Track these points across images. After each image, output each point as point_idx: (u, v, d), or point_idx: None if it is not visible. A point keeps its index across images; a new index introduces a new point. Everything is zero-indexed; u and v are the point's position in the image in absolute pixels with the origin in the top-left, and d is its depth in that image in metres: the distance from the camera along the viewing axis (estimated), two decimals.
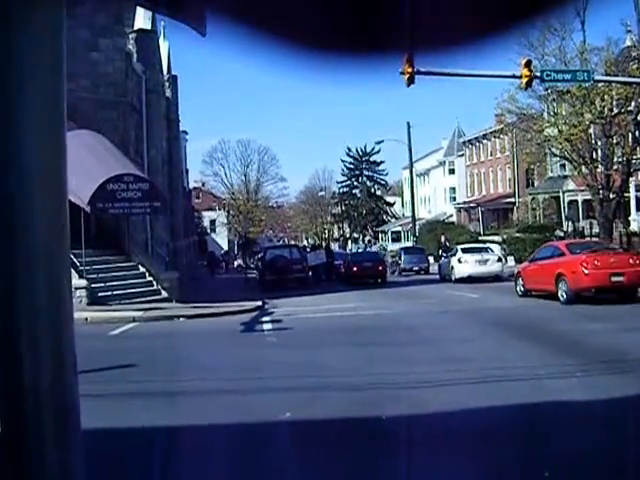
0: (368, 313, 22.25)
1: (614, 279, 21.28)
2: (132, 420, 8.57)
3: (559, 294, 22.25)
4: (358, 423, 8.46)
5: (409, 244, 64.05)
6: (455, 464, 7.05)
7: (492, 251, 38.01)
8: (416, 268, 47.21)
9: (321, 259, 43.02)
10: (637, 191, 44.39)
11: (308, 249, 51.33)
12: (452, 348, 13.98)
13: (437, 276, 39.11)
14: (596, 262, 21.67)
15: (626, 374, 10.28)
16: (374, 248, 70.73)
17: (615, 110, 34.69)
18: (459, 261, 35.67)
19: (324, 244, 76.75)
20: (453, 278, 35.34)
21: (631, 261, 22.22)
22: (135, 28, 33.76)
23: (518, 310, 21.23)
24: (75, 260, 22.93)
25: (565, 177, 51.03)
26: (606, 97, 34.29)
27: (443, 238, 52.17)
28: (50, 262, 1.85)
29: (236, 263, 74.29)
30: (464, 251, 36.76)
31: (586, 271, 21.52)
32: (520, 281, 25.77)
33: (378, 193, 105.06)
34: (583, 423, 8.12)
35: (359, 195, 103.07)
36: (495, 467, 6.98)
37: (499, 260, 36.40)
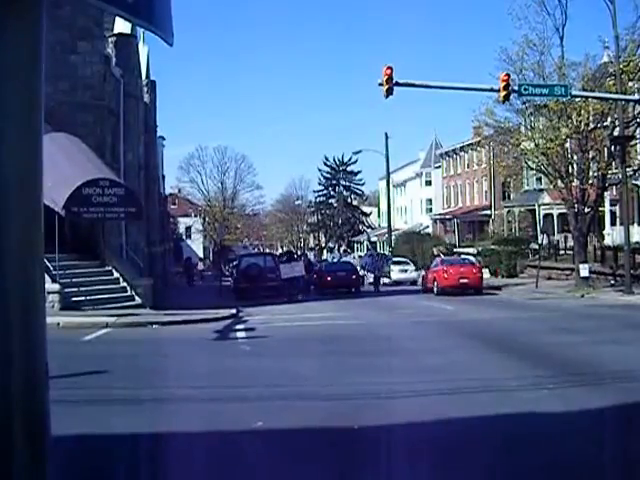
0: (342, 322, 22.26)
1: (461, 281, 34.25)
2: (102, 427, 8.48)
3: (434, 290, 35.12)
4: (330, 433, 8.43)
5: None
6: (427, 475, 7.05)
7: (410, 264, 52.53)
8: None
9: (298, 272, 35.00)
10: (611, 205, 44.84)
11: (284, 257, 48.77)
12: (425, 358, 14.00)
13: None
14: (451, 271, 34.71)
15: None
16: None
17: (591, 125, 34.97)
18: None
19: (304, 254, 75.71)
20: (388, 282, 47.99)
21: (474, 270, 35.65)
22: (115, 32, 33.66)
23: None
24: (48, 264, 22.73)
25: (541, 190, 51.41)
26: (583, 112, 34.57)
27: (436, 251, 55.84)
28: (23, 266, 1.82)
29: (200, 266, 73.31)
30: (393, 263, 49.86)
31: (445, 276, 34.62)
32: (422, 282, 39.96)
33: (355, 203, 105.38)
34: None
35: (335, 205, 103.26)
36: (467, 478, 6.98)
37: (416, 270, 50.24)
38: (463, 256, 45.81)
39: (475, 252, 53.22)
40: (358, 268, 45.65)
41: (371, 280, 44.41)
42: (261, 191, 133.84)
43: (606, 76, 33.85)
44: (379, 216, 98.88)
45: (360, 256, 67.31)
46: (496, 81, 27.21)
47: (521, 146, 37.46)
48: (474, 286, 34.25)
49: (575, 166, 35.90)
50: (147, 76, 46.99)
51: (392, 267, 49.39)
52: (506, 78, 26.37)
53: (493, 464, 7.25)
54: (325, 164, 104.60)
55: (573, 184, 35.62)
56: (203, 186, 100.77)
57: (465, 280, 34.17)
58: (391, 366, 13.03)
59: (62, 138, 24.93)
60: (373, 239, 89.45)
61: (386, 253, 57.96)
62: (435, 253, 54.03)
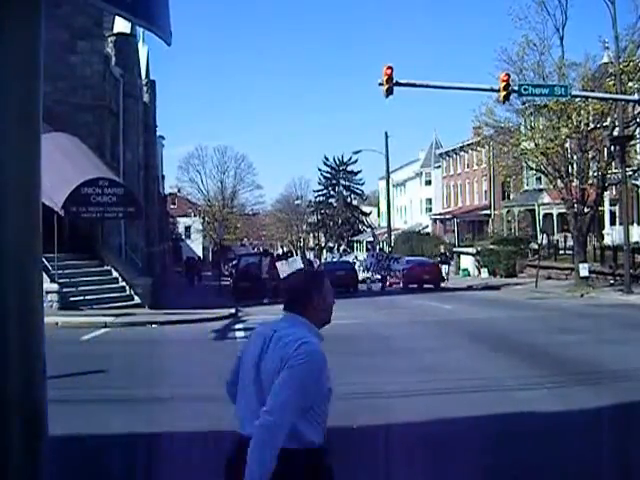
0: (341, 322, 22.21)
1: (424, 277, 42.51)
2: (100, 426, 8.48)
3: (400, 284, 43.87)
4: (329, 433, 8.41)
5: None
6: (426, 473, 7.04)
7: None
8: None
9: None
10: (611, 205, 44.78)
11: (287, 256, 48.03)
12: (424, 357, 13.99)
13: None
14: (416, 269, 43.19)
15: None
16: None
17: (591, 125, 34.97)
18: None
19: (304, 254, 75.00)
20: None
21: (434, 269, 44.22)
22: (114, 31, 33.62)
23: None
24: (47, 264, 22.71)
25: (540, 190, 51.34)
26: (582, 112, 34.58)
27: (442, 249, 56.99)
28: (22, 265, 1.82)
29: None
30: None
31: (412, 273, 42.84)
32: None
33: (354, 203, 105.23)
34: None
35: (335, 204, 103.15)
36: (466, 476, 6.98)
37: None
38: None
39: (474, 252, 53.24)
40: (359, 268, 46.05)
41: (375, 280, 44.77)
42: (261, 191, 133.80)
43: (606, 76, 33.82)
44: (379, 216, 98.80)
45: (367, 256, 67.02)
46: (496, 81, 27.18)
47: (521, 146, 37.42)
48: (434, 281, 42.45)
49: (575, 166, 35.88)
50: (147, 76, 46.99)
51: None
52: (506, 78, 26.35)
53: (492, 463, 7.25)
54: (325, 164, 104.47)
55: (573, 184, 35.61)
56: (203, 186, 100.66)
57: (427, 276, 42.70)
58: (390, 366, 13.04)
59: (62, 138, 24.91)
60: (370, 239, 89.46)
61: (392, 253, 57.94)
62: (442, 252, 54.83)
